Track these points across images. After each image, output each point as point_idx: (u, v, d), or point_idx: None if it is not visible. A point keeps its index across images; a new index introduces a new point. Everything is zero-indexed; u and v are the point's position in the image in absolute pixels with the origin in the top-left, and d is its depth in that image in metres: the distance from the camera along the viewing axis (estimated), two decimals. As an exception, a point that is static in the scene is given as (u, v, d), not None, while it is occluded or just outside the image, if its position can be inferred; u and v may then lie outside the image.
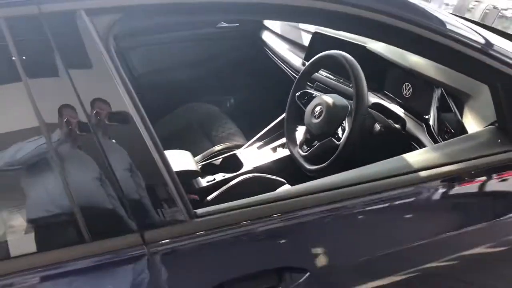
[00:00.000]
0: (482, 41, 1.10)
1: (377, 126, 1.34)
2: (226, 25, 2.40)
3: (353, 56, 1.40)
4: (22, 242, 0.79)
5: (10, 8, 0.76)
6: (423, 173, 1.04)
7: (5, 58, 0.77)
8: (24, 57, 0.77)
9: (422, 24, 1.02)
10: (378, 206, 0.99)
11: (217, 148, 1.93)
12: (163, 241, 0.85)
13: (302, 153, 1.51)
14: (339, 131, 1.37)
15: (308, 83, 1.73)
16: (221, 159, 1.87)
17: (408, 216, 1.04)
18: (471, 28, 1.14)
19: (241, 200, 0.96)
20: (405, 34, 1.03)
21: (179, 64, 2.36)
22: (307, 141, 1.52)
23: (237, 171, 1.77)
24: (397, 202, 1.01)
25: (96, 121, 0.80)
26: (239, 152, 1.87)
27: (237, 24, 2.41)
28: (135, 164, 0.83)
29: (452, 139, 1.21)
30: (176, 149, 1.72)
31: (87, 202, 0.81)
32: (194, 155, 1.96)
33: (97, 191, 0.82)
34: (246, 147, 1.91)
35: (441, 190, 1.07)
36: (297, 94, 1.59)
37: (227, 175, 1.77)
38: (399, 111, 1.55)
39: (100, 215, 0.82)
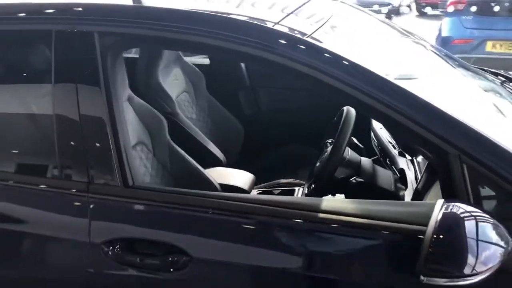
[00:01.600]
0: (426, 111, 1.15)
1: (354, 179, 1.44)
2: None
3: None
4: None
5: (51, 25, 1.29)
6: (328, 216, 1.17)
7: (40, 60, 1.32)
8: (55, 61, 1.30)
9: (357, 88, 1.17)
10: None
11: (282, 181, 2.20)
12: (100, 195, 1.26)
13: (306, 191, 1.68)
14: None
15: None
16: (279, 190, 2.14)
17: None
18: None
19: (175, 188, 1.29)
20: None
21: (296, 108, 2.69)
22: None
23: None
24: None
25: (81, 111, 1.27)
26: (297, 189, 2.10)
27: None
28: (98, 143, 1.27)
29: (392, 201, 1.26)
30: (259, 175, 2.07)
31: (66, 154, 1.29)
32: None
33: (74, 148, 1.29)
34: (304, 186, 2.13)
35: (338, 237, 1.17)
36: (328, 141, 1.76)
37: (274, 206, 2.04)
38: (412, 180, 1.57)
39: (70, 162, 1.29)
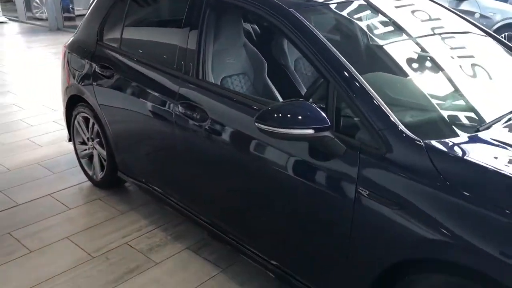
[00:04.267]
0: (323, 49, 1.91)
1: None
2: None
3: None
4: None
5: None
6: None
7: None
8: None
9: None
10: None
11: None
12: (184, 80, 2.48)
13: None
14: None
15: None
16: None
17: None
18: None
19: (216, 84, 2.43)
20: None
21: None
22: None
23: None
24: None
25: (188, 45, 2.49)
26: None
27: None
28: (190, 60, 2.48)
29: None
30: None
31: (179, 60, 2.56)
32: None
33: (181, 58, 2.55)
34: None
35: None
36: None
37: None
38: None
39: (178, 63, 2.55)
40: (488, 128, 1.84)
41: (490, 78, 2.32)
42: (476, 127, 1.83)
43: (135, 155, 3.02)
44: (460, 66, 2.27)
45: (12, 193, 3.43)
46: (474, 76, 2.25)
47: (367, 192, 1.70)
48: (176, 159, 2.61)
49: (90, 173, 3.54)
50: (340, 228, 1.81)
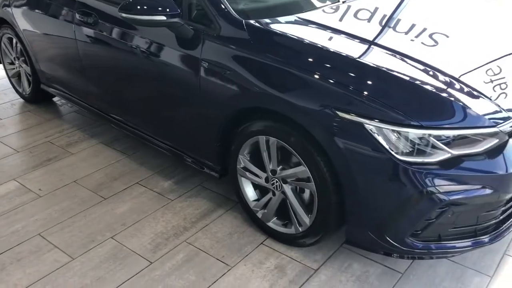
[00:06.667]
0: None
1: None
2: None
3: None
4: None
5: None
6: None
7: None
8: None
9: None
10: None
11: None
12: None
13: None
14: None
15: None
16: None
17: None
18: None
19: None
20: None
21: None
22: None
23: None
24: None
25: None
26: None
27: None
28: None
29: None
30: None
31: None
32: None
33: None
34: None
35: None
36: None
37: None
38: None
39: None
40: (305, 12, 2.34)
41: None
42: (294, 12, 2.34)
43: (50, 66, 3.44)
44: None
45: (-51, 110, 3.84)
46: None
47: (207, 64, 2.21)
48: (78, 63, 3.06)
49: (20, 90, 3.95)
50: (194, 96, 2.33)
